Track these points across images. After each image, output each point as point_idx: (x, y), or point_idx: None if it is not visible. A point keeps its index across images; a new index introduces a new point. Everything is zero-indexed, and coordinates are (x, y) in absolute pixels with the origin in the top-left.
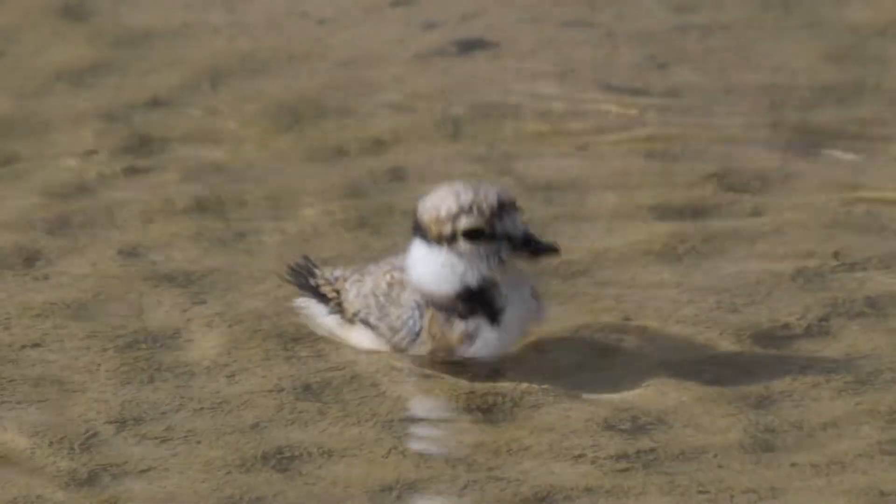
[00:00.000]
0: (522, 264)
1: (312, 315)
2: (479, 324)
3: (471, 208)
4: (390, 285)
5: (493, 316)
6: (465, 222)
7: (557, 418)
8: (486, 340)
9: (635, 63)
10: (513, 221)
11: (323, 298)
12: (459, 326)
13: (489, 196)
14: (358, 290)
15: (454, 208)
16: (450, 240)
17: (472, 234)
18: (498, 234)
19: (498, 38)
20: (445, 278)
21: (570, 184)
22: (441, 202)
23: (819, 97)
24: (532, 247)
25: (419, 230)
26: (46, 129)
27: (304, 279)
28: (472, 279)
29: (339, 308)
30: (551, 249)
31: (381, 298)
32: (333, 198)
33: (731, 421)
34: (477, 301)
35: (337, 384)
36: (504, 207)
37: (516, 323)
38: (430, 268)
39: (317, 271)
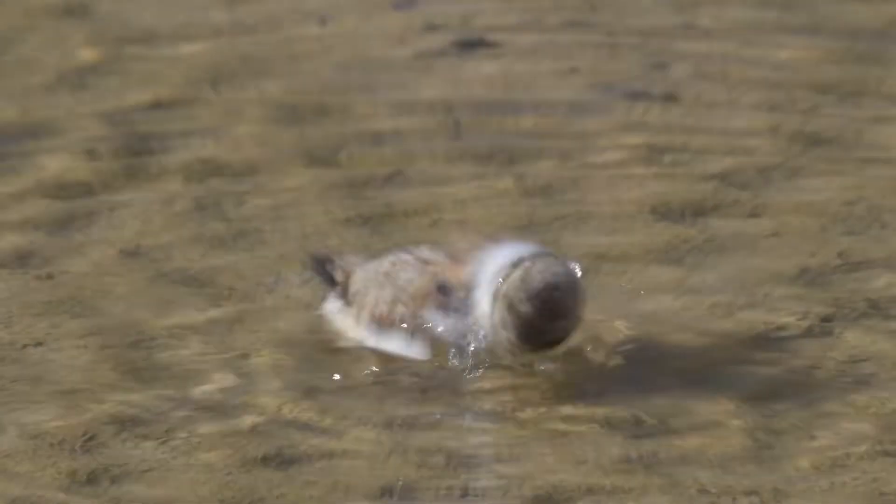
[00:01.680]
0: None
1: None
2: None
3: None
4: (393, 264)
5: None
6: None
7: (558, 419)
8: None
9: (636, 63)
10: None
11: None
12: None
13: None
14: (364, 274)
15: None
16: None
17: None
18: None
19: (499, 38)
20: None
21: (570, 184)
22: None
23: (820, 97)
24: None
25: None
26: (47, 128)
27: (325, 270)
28: None
29: (344, 292)
30: None
31: (382, 278)
32: (334, 198)
33: (732, 422)
34: None
35: (337, 386)
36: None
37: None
38: None
39: (336, 260)
